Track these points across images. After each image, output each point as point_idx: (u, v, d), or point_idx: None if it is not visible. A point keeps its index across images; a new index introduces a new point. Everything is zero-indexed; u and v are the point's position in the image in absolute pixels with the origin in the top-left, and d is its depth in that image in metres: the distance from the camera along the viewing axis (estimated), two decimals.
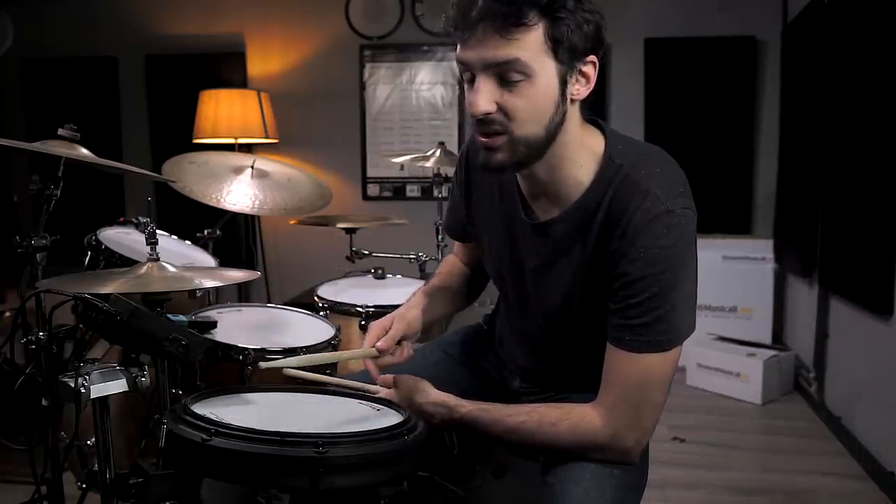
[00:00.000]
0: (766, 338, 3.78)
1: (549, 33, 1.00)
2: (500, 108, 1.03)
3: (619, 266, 1.07)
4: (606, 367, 1.12)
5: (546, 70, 1.02)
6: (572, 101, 1.07)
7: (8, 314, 2.98)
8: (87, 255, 1.88)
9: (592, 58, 1.06)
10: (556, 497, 1.10)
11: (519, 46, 0.99)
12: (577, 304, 1.17)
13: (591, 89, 1.08)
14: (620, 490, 1.11)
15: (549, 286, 1.20)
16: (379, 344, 1.28)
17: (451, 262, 1.54)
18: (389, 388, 1.25)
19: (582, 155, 1.12)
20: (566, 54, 1.03)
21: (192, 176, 2.12)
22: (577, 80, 1.06)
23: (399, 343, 1.32)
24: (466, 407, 1.19)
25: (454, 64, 4.31)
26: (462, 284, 1.51)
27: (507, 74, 1.01)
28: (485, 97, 1.02)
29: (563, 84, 1.05)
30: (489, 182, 1.28)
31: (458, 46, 1.04)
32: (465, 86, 1.08)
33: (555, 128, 1.07)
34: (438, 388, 1.43)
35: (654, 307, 1.05)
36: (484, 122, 1.04)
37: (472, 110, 1.04)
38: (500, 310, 1.48)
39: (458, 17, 1.01)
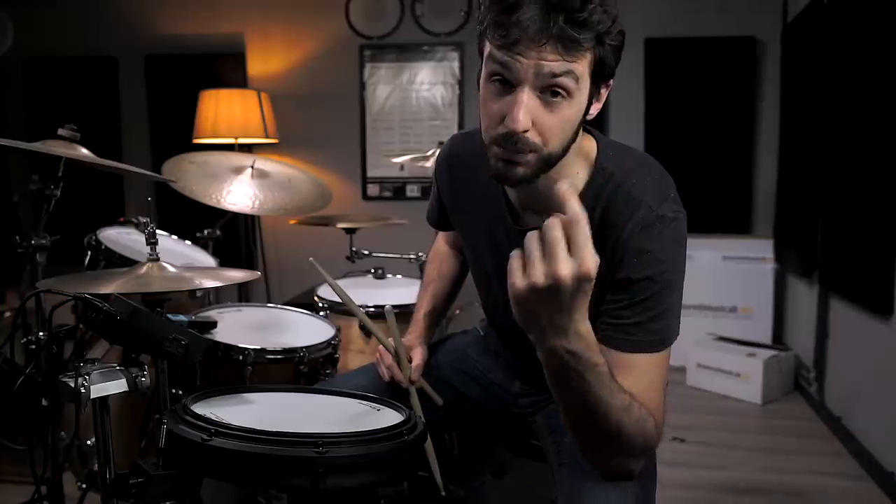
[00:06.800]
0: (766, 338, 3.78)
1: (596, 58, 0.99)
2: (535, 126, 1.00)
3: (615, 273, 1.06)
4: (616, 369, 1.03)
5: (583, 91, 1.01)
6: (586, 118, 1.07)
7: (8, 314, 2.97)
8: (87, 255, 1.88)
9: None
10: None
11: (574, 68, 0.97)
12: None
13: (600, 107, 1.08)
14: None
15: None
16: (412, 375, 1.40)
17: (441, 258, 1.61)
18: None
19: (578, 163, 1.12)
20: (601, 78, 1.02)
21: (192, 176, 2.12)
22: (597, 100, 1.06)
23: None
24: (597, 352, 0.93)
25: (454, 64, 4.32)
26: (454, 280, 1.60)
27: (555, 90, 0.98)
28: (527, 113, 0.98)
29: (589, 104, 1.04)
30: (472, 189, 1.28)
31: (501, 44, 0.97)
32: (490, 86, 1.02)
33: (570, 145, 1.06)
34: (439, 392, 1.44)
35: (653, 306, 1.05)
36: (517, 139, 1.00)
37: (512, 126, 0.98)
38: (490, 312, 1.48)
39: (521, 27, 0.94)
